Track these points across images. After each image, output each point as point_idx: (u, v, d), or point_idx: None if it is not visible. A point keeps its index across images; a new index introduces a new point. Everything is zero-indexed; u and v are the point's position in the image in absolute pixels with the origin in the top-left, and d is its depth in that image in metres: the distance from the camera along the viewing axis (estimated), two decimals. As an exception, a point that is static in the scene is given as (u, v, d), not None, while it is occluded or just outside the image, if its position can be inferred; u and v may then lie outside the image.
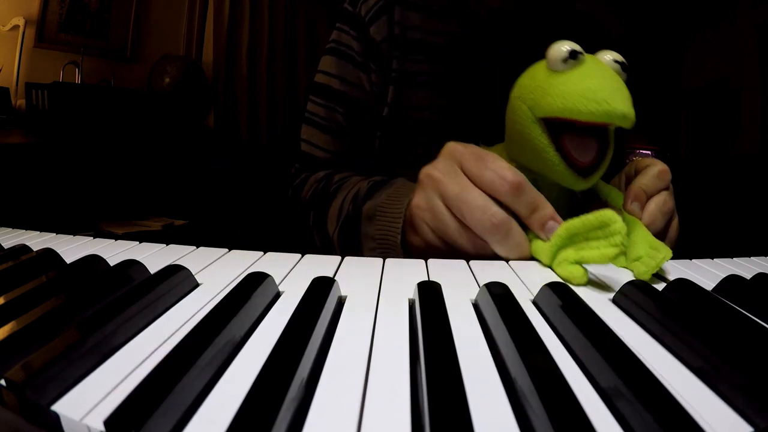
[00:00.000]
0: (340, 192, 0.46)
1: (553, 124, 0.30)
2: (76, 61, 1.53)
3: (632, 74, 0.31)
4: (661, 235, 0.33)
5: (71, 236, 0.36)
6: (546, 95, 0.29)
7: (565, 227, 0.27)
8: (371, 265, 0.27)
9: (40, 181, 1.32)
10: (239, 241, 0.32)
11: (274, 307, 0.21)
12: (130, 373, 0.15)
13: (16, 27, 1.42)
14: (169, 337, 0.18)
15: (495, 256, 0.29)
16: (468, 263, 0.28)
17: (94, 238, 0.35)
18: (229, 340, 0.17)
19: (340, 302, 0.22)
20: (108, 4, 1.65)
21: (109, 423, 0.12)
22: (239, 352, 0.16)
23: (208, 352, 0.15)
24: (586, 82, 0.28)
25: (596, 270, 0.27)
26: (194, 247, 0.31)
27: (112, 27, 1.67)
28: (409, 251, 0.35)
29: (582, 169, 0.30)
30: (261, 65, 2.09)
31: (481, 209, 0.28)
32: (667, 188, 0.35)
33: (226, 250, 0.30)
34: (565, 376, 0.14)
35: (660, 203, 0.33)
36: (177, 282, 0.23)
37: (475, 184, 0.29)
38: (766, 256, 0.33)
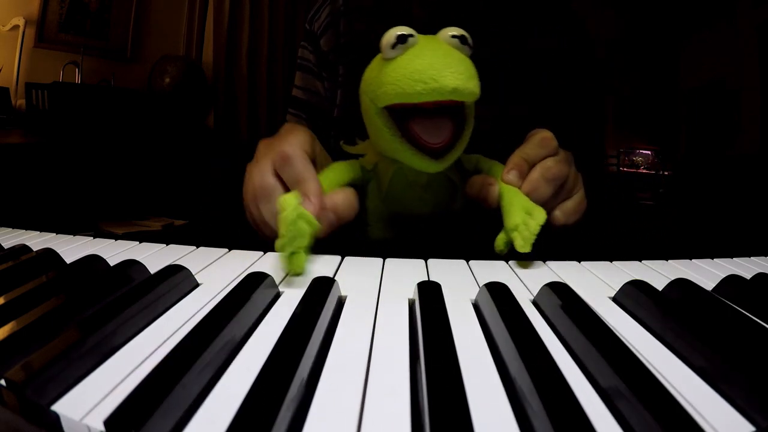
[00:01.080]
0: None
1: (398, 111, 0.29)
2: (76, 61, 1.53)
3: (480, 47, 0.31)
4: (551, 204, 0.32)
5: (71, 236, 0.36)
6: (381, 85, 0.29)
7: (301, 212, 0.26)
8: (371, 265, 0.27)
9: (40, 181, 1.32)
10: (239, 241, 0.32)
11: (274, 307, 0.21)
12: (130, 373, 0.15)
13: (16, 27, 1.42)
14: (169, 337, 0.18)
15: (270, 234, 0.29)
16: (468, 263, 0.28)
17: (94, 238, 0.35)
18: (229, 340, 0.17)
19: (340, 302, 0.22)
20: (108, 4, 1.65)
21: (109, 423, 0.12)
22: (239, 352, 0.16)
23: (208, 352, 0.15)
24: (413, 64, 0.27)
25: (595, 269, 0.27)
26: (194, 247, 0.31)
27: (112, 27, 1.67)
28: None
29: (434, 151, 0.29)
30: (261, 65, 2.09)
31: (260, 171, 0.30)
32: (553, 155, 0.33)
33: (226, 250, 0.30)
34: (565, 376, 0.14)
35: (543, 170, 0.31)
36: (177, 282, 0.23)
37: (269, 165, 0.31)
38: (766, 256, 0.33)
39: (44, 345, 0.16)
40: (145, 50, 1.77)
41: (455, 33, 0.29)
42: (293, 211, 0.24)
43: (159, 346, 0.17)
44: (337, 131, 0.53)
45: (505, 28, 0.48)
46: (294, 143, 0.30)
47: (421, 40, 0.28)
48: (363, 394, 0.14)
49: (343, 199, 0.29)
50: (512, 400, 0.14)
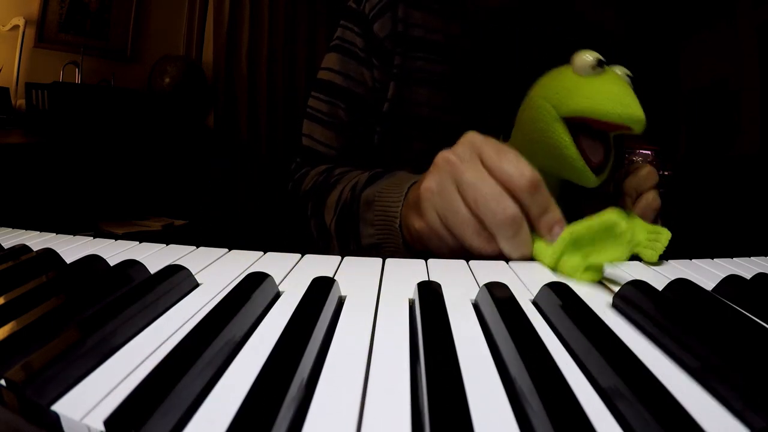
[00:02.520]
0: (340, 183, 0.46)
1: (571, 124, 0.33)
2: (76, 61, 1.53)
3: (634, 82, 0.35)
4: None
5: (71, 236, 0.36)
6: (573, 95, 0.32)
7: (569, 231, 0.27)
8: (371, 265, 0.27)
9: (40, 181, 1.32)
10: (239, 241, 0.32)
11: (274, 307, 0.21)
12: (130, 373, 0.15)
13: (16, 27, 1.42)
14: (169, 337, 0.18)
15: (492, 256, 0.29)
16: (468, 263, 0.28)
17: (94, 238, 0.35)
18: (229, 340, 0.17)
19: (340, 302, 0.22)
20: (108, 4, 1.64)
21: (109, 423, 0.12)
22: (239, 352, 0.16)
23: (208, 353, 0.15)
24: (613, 88, 0.31)
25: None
26: (194, 247, 0.31)
27: (112, 27, 1.67)
28: (407, 240, 0.35)
29: (594, 168, 0.34)
30: (261, 65, 2.09)
31: (496, 200, 0.27)
32: (655, 188, 0.38)
33: (226, 250, 0.30)
34: (565, 376, 0.14)
35: (650, 200, 0.37)
36: (177, 282, 0.23)
37: (492, 176, 0.28)
38: (766, 256, 0.33)
39: (44, 345, 0.16)
40: (145, 50, 1.77)
41: (628, 73, 0.34)
42: (628, 226, 0.25)
43: (159, 346, 0.17)
44: (384, 127, 0.50)
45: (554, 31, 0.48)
46: (529, 166, 0.27)
47: (608, 70, 0.33)
48: (363, 394, 0.14)
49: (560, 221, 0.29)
50: (512, 400, 0.14)
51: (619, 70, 0.34)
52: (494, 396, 0.14)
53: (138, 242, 0.33)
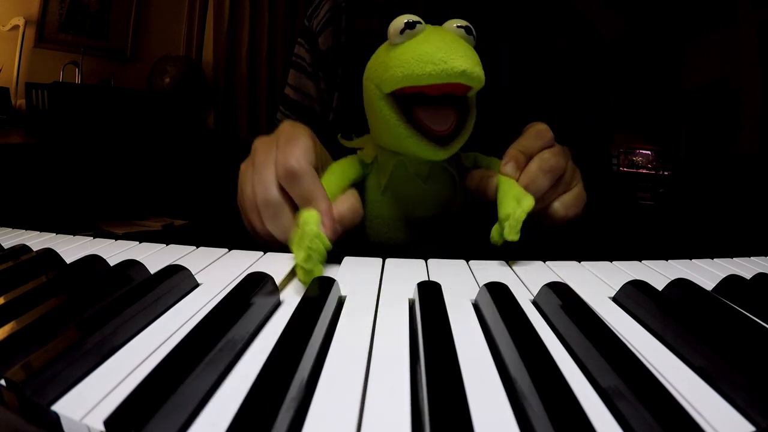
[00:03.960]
0: None
1: (404, 98, 0.29)
2: (76, 61, 1.53)
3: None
4: (550, 196, 0.32)
5: (71, 236, 0.36)
6: (387, 69, 0.29)
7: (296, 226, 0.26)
8: (371, 265, 0.27)
9: (40, 181, 1.32)
10: (239, 241, 0.32)
11: (273, 307, 0.21)
12: (130, 373, 0.15)
13: (16, 27, 1.42)
14: (169, 337, 0.18)
15: (268, 238, 0.30)
16: (468, 263, 0.28)
17: (94, 238, 0.35)
18: (229, 340, 0.17)
19: (340, 302, 0.22)
20: (108, 4, 1.64)
21: (109, 423, 0.12)
22: (239, 352, 0.16)
23: (208, 352, 0.15)
24: (422, 47, 0.27)
25: (595, 269, 0.27)
26: (194, 247, 0.31)
27: (112, 27, 1.67)
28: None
29: (439, 138, 0.30)
30: (261, 65, 2.09)
31: (263, 185, 0.29)
32: (549, 146, 0.33)
33: (226, 250, 0.30)
34: (565, 376, 0.14)
35: (540, 161, 0.31)
36: (177, 282, 0.23)
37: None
38: (766, 256, 0.33)
39: (44, 345, 0.16)
40: (145, 50, 1.77)
41: (461, 24, 0.29)
42: (315, 228, 0.25)
43: (159, 346, 0.17)
44: (331, 136, 0.52)
45: (509, 27, 0.48)
46: (299, 155, 0.29)
47: (428, 29, 0.29)
48: (363, 394, 0.14)
49: (348, 208, 0.29)
50: (512, 400, 0.14)
51: (453, 23, 0.29)
52: (494, 396, 0.14)
53: (138, 242, 0.33)
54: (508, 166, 0.31)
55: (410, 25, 0.28)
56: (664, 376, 0.15)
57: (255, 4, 2.04)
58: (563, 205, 0.33)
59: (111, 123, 1.50)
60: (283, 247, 0.30)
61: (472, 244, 0.31)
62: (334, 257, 0.28)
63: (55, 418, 0.13)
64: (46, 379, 0.14)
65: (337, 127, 0.50)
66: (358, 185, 0.35)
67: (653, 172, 2.26)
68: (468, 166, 0.36)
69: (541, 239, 0.31)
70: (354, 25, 0.50)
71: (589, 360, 0.16)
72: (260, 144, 0.32)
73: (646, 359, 0.16)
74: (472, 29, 0.29)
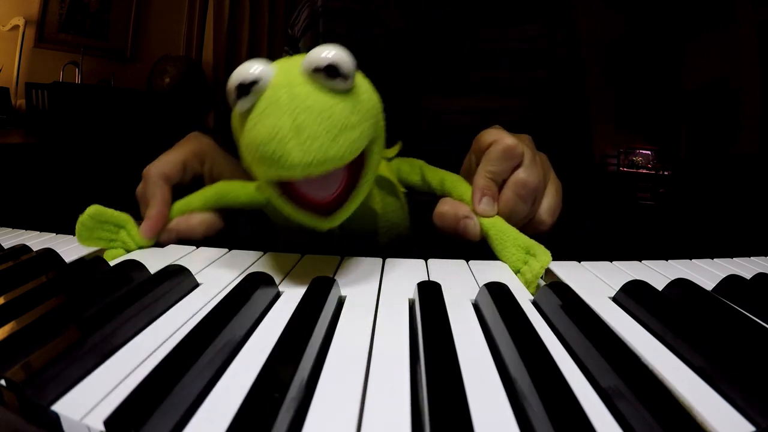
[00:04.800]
0: None
1: None
2: (76, 61, 1.53)
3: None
4: (532, 212, 0.30)
5: (71, 236, 0.36)
6: (239, 145, 0.23)
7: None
8: (371, 265, 0.27)
9: (40, 181, 1.32)
10: (239, 241, 0.32)
11: (274, 307, 0.21)
12: (130, 373, 0.15)
13: (16, 27, 1.42)
14: (169, 337, 0.18)
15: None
16: (468, 263, 0.28)
17: (94, 238, 0.35)
18: (229, 340, 0.17)
19: (340, 302, 0.22)
20: (108, 4, 1.64)
21: (109, 423, 0.12)
22: (239, 352, 0.16)
23: (208, 352, 0.15)
24: (255, 130, 0.21)
25: (595, 269, 0.27)
26: (194, 247, 0.31)
27: (112, 27, 1.67)
28: None
29: (321, 208, 0.24)
30: (261, 65, 2.09)
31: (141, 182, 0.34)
32: (519, 164, 0.28)
33: (226, 250, 0.30)
34: (565, 376, 0.14)
35: (516, 187, 0.28)
36: (177, 282, 0.23)
37: None
38: (766, 256, 0.33)
39: (44, 345, 0.16)
40: (145, 50, 1.77)
41: (320, 64, 0.21)
42: (83, 220, 0.29)
43: (159, 346, 0.17)
44: None
45: (485, 22, 0.48)
46: (160, 166, 0.33)
47: (272, 85, 0.21)
48: (363, 394, 0.14)
49: (186, 226, 0.32)
50: (512, 400, 0.14)
51: (315, 64, 0.21)
52: (494, 396, 0.14)
53: (138, 242, 0.33)
54: (482, 204, 0.28)
55: (242, 91, 0.21)
56: (664, 376, 0.15)
57: (255, 4, 2.04)
58: (548, 212, 0.30)
59: (111, 123, 1.50)
60: (286, 246, 0.30)
61: (473, 244, 0.30)
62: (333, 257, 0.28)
63: (55, 418, 0.13)
64: (46, 379, 0.14)
65: None
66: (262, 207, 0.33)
67: (653, 172, 2.26)
68: (414, 185, 0.32)
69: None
70: (332, 29, 0.51)
71: (589, 360, 0.16)
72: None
73: (646, 359, 0.16)
74: (340, 68, 0.21)
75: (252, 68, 0.21)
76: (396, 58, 0.49)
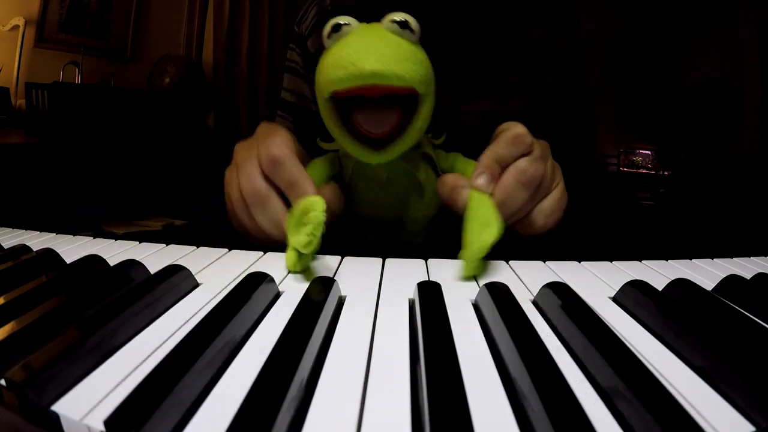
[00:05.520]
0: None
1: (344, 101, 0.28)
2: (76, 61, 1.53)
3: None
4: (528, 206, 0.29)
5: (71, 236, 0.36)
6: (319, 74, 0.28)
7: (290, 213, 0.27)
8: (371, 265, 0.27)
9: (40, 181, 1.32)
10: (239, 241, 0.32)
11: (274, 307, 0.21)
12: (131, 373, 0.15)
13: (16, 27, 1.42)
14: (169, 337, 0.18)
15: (261, 234, 0.30)
16: (468, 263, 0.28)
17: (94, 238, 0.35)
18: (229, 340, 0.17)
19: (340, 302, 0.22)
20: (108, 4, 1.65)
21: (109, 423, 0.12)
22: (239, 352, 0.16)
23: (208, 352, 0.15)
24: (339, 51, 0.27)
25: (595, 269, 0.27)
26: (194, 247, 0.31)
27: (112, 27, 1.67)
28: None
29: (375, 141, 0.29)
30: (261, 65, 2.09)
31: (248, 176, 0.29)
32: (527, 153, 0.29)
33: (226, 250, 0.30)
34: (565, 376, 0.14)
35: (517, 173, 0.28)
36: (177, 282, 0.23)
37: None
38: (766, 256, 0.33)
39: (44, 345, 0.16)
40: (145, 50, 1.77)
41: (396, 18, 0.27)
42: (323, 213, 0.24)
43: (159, 346, 0.17)
44: (320, 134, 0.54)
45: (494, 22, 0.48)
46: (280, 144, 0.29)
47: (359, 29, 0.28)
48: (363, 394, 0.14)
49: (331, 196, 0.29)
50: (512, 400, 0.14)
51: (390, 17, 0.28)
52: (494, 396, 0.14)
53: (138, 242, 0.33)
54: (480, 178, 0.28)
55: (336, 28, 0.28)
56: (664, 376, 0.15)
57: (255, 4, 2.04)
58: (543, 213, 0.30)
59: (111, 123, 1.50)
60: (280, 245, 0.30)
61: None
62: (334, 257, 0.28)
63: (55, 418, 0.13)
64: (46, 379, 0.14)
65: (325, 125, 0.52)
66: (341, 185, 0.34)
67: (653, 172, 2.26)
68: (446, 169, 0.34)
69: (540, 244, 0.30)
70: None
71: (589, 360, 0.16)
72: (240, 147, 0.32)
73: (646, 359, 0.16)
74: (411, 23, 0.27)
75: (344, 17, 0.28)
76: None
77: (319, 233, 0.24)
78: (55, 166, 1.35)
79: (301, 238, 0.24)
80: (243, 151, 0.31)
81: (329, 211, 0.27)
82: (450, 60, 0.46)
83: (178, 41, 1.91)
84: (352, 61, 0.26)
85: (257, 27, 2.07)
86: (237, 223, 0.32)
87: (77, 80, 1.55)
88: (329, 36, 0.28)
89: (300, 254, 0.25)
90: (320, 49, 0.52)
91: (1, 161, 1.22)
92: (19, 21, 1.42)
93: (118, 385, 0.15)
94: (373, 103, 0.28)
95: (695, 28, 1.89)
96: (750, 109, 1.68)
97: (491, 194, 0.28)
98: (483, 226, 0.26)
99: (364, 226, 0.36)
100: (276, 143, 0.29)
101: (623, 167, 2.29)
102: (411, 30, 0.28)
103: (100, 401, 0.14)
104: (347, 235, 0.36)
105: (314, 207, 0.25)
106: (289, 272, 0.26)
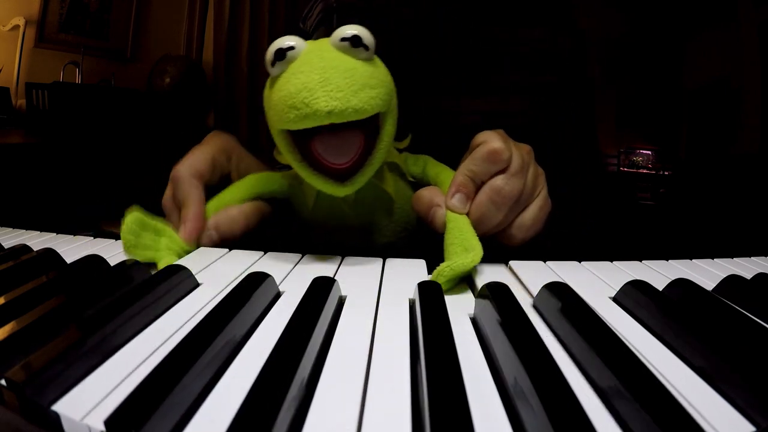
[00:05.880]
0: None
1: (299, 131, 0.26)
2: (76, 61, 1.53)
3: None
4: (505, 221, 0.29)
5: (71, 236, 0.36)
6: (267, 108, 0.26)
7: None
8: (371, 265, 0.27)
9: (40, 181, 1.32)
10: (239, 241, 0.32)
11: (274, 307, 0.21)
12: (131, 373, 0.15)
13: (16, 27, 1.42)
14: (169, 337, 0.18)
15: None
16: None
17: (94, 238, 0.35)
18: (229, 340, 0.17)
19: (340, 302, 0.22)
20: (108, 4, 1.65)
21: (109, 423, 0.12)
22: (239, 352, 0.16)
23: (208, 352, 0.15)
24: (287, 85, 0.24)
25: (595, 269, 0.27)
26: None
27: (112, 27, 1.67)
28: None
29: (338, 173, 0.26)
30: (261, 65, 2.08)
31: (167, 188, 0.33)
32: (504, 170, 0.28)
33: (226, 250, 0.30)
34: (565, 376, 0.14)
35: (492, 192, 0.27)
36: (177, 282, 0.23)
37: None
38: (766, 256, 0.33)
39: (44, 345, 0.16)
40: (145, 50, 1.77)
41: (346, 34, 0.25)
42: (127, 227, 0.27)
43: (159, 346, 0.17)
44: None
45: (495, 22, 0.48)
46: (189, 164, 0.31)
47: (305, 53, 0.25)
48: (363, 394, 0.14)
49: (226, 219, 0.30)
50: (512, 400, 0.14)
51: (340, 33, 0.25)
52: (495, 396, 0.14)
53: (138, 242, 0.33)
54: (455, 199, 0.27)
55: (279, 55, 0.24)
56: (664, 376, 0.15)
57: (255, 4, 2.04)
58: (522, 228, 0.29)
59: (111, 123, 1.50)
60: (281, 246, 0.30)
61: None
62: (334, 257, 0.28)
63: (56, 418, 0.13)
64: (47, 379, 0.14)
65: None
66: (290, 200, 0.34)
67: (653, 172, 2.26)
68: (415, 174, 0.32)
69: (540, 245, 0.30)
70: (343, 23, 0.51)
71: (588, 361, 0.16)
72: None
73: (646, 359, 0.16)
74: (363, 38, 0.25)
75: (289, 39, 0.25)
76: (410, 55, 0.49)
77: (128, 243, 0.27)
78: (55, 166, 1.35)
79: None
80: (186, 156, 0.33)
81: (221, 233, 0.30)
82: (450, 60, 0.46)
83: (178, 41, 1.91)
84: (305, 101, 0.23)
85: (257, 27, 2.07)
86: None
87: (77, 80, 1.55)
88: (273, 64, 0.25)
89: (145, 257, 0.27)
90: None
91: (1, 161, 1.22)
92: (19, 21, 1.42)
93: (118, 385, 0.15)
94: (331, 130, 0.25)
95: (695, 28, 1.89)
96: (750, 109, 1.68)
97: (467, 212, 0.28)
98: (464, 249, 0.25)
99: (336, 238, 0.34)
100: (185, 163, 0.32)
101: (623, 167, 2.29)
102: (365, 46, 0.25)
103: (101, 401, 0.14)
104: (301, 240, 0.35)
105: (127, 221, 0.27)
106: (288, 272, 0.26)
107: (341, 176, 0.26)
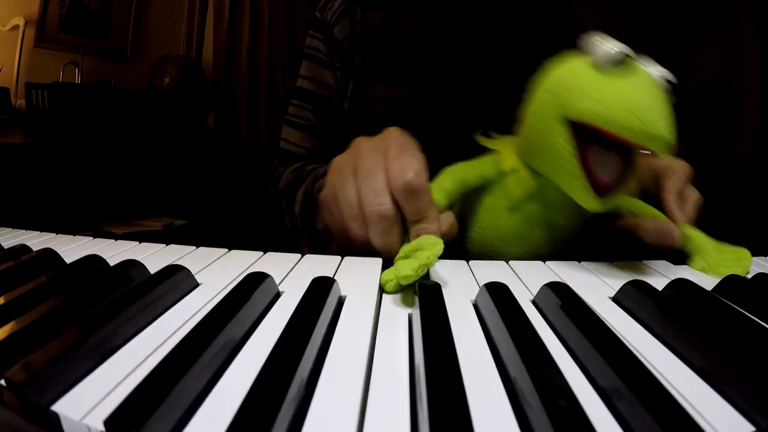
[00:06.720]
0: (309, 176, 0.48)
1: (579, 129, 0.26)
2: (76, 61, 1.53)
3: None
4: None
5: (71, 236, 0.36)
6: (584, 94, 0.26)
7: (406, 242, 0.26)
8: (371, 265, 0.27)
9: (40, 181, 1.32)
10: (239, 241, 0.31)
11: (274, 307, 0.21)
12: (130, 373, 0.15)
13: (16, 27, 1.42)
14: (169, 337, 0.18)
15: (364, 243, 0.28)
16: (468, 263, 0.28)
17: (94, 238, 0.35)
18: (229, 340, 0.17)
19: (340, 302, 0.22)
20: (108, 4, 1.65)
21: (109, 423, 0.12)
22: (239, 352, 0.16)
23: (208, 352, 0.15)
24: (636, 96, 0.24)
25: (595, 269, 0.27)
26: (194, 247, 0.31)
27: (112, 27, 1.67)
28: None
29: (600, 188, 0.27)
30: (261, 65, 2.09)
31: (375, 194, 0.27)
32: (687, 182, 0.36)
33: (226, 250, 0.30)
34: (565, 376, 0.14)
35: (696, 204, 0.35)
36: (177, 282, 0.23)
37: (386, 171, 0.28)
38: (766, 256, 0.33)
39: (44, 345, 0.16)
40: (145, 50, 1.77)
41: (668, 77, 0.27)
42: (436, 257, 0.23)
43: (159, 346, 0.17)
44: (347, 124, 0.52)
45: (525, 26, 0.48)
46: (419, 169, 0.26)
47: (639, 70, 0.26)
48: (363, 394, 0.14)
49: (449, 228, 0.28)
50: (512, 400, 0.14)
51: (657, 70, 0.26)
52: (494, 396, 0.14)
53: (138, 242, 0.33)
54: (680, 214, 0.34)
55: (622, 60, 0.26)
56: (664, 376, 0.15)
57: (255, 4, 2.04)
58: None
59: (111, 123, 1.50)
60: (283, 246, 0.30)
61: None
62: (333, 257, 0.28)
63: (55, 418, 0.13)
64: (46, 379, 0.14)
65: (351, 116, 0.51)
66: (475, 191, 0.33)
67: (653, 171, 2.25)
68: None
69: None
70: (369, 17, 0.50)
71: (588, 360, 0.16)
72: (365, 147, 0.30)
73: (646, 359, 0.16)
74: (672, 86, 0.27)
75: (628, 49, 0.26)
76: (433, 50, 0.49)
77: (423, 272, 0.23)
78: (55, 166, 1.35)
79: (406, 271, 0.22)
80: (369, 155, 0.29)
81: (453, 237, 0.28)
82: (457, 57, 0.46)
83: (178, 41, 1.91)
84: (651, 120, 0.24)
85: (257, 27, 2.07)
86: (332, 221, 0.31)
87: (77, 80, 1.55)
88: (616, 63, 0.26)
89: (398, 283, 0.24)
90: (349, 37, 0.50)
91: (1, 161, 1.22)
92: (19, 21, 1.42)
93: (118, 385, 0.15)
94: (602, 144, 0.26)
95: (695, 28, 1.89)
96: (750, 109, 1.68)
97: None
98: (737, 258, 0.29)
99: (510, 244, 0.33)
100: (413, 167, 0.27)
101: (623, 167, 2.28)
102: (671, 93, 0.27)
103: (100, 401, 0.14)
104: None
105: (431, 249, 0.23)
106: (288, 272, 0.26)
107: (601, 191, 0.27)
